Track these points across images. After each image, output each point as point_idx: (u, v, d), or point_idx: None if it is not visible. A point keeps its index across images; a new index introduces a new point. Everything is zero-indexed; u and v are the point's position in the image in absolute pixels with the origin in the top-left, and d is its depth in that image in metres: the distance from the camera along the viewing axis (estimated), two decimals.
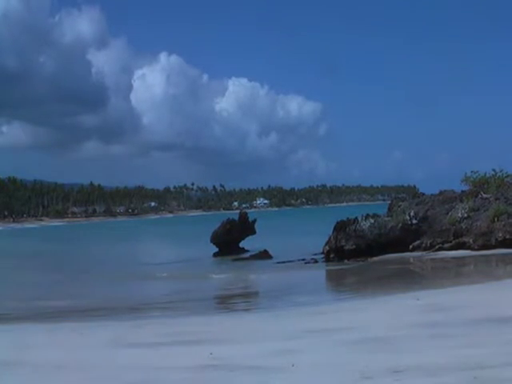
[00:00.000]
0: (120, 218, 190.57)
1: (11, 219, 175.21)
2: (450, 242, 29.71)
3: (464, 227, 29.75)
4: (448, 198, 33.20)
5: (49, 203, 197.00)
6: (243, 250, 37.91)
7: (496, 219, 28.73)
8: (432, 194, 35.27)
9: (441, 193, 34.88)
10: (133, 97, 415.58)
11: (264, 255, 34.22)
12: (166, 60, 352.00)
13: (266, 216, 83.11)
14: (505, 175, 34.04)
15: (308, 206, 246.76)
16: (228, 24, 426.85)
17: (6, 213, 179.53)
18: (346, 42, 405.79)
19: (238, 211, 46.55)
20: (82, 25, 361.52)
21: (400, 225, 30.71)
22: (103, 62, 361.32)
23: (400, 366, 7.65)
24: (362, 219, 31.60)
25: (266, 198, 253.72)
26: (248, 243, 38.71)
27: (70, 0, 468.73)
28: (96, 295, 23.32)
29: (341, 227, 31.30)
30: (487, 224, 28.92)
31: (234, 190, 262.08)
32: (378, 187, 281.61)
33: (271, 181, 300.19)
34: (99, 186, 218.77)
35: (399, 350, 8.96)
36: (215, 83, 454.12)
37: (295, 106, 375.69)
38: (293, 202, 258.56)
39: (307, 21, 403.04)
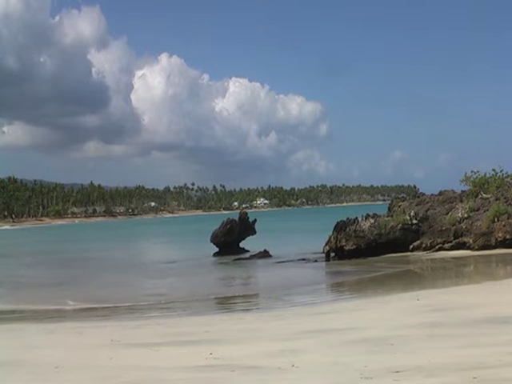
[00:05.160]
0: (120, 218, 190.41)
1: (11, 219, 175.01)
2: (450, 242, 29.70)
3: (464, 227, 29.75)
4: (448, 198, 33.24)
5: (49, 203, 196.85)
6: (243, 250, 37.87)
7: (496, 219, 28.73)
8: (432, 194, 35.34)
9: (441, 193, 34.95)
10: (133, 97, 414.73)
11: (264, 255, 34.23)
12: (166, 61, 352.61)
13: (266, 216, 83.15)
14: (505, 175, 34.10)
15: (308, 206, 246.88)
16: (228, 25, 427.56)
17: (6, 213, 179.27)
18: (346, 42, 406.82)
19: (238, 211, 46.48)
20: (83, 25, 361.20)
21: (400, 225, 30.72)
22: (103, 62, 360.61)
23: (400, 366, 7.65)
24: (362, 219, 31.63)
25: (266, 198, 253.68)
26: (248, 243, 38.68)
27: (70, 0, 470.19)
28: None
29: (341, 227, 31.31)
30: (487, 224, 28.91)
31: (234, 190, 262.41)
32: (378, 187, 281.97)
33: (271, 181, 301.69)
34: (99, 186, 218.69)
35: (399, 350, 8.95)
36: (216, 83, 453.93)
37: (295, 106, 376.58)
38: (293, 202, 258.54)
39: (308, 21, 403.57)
